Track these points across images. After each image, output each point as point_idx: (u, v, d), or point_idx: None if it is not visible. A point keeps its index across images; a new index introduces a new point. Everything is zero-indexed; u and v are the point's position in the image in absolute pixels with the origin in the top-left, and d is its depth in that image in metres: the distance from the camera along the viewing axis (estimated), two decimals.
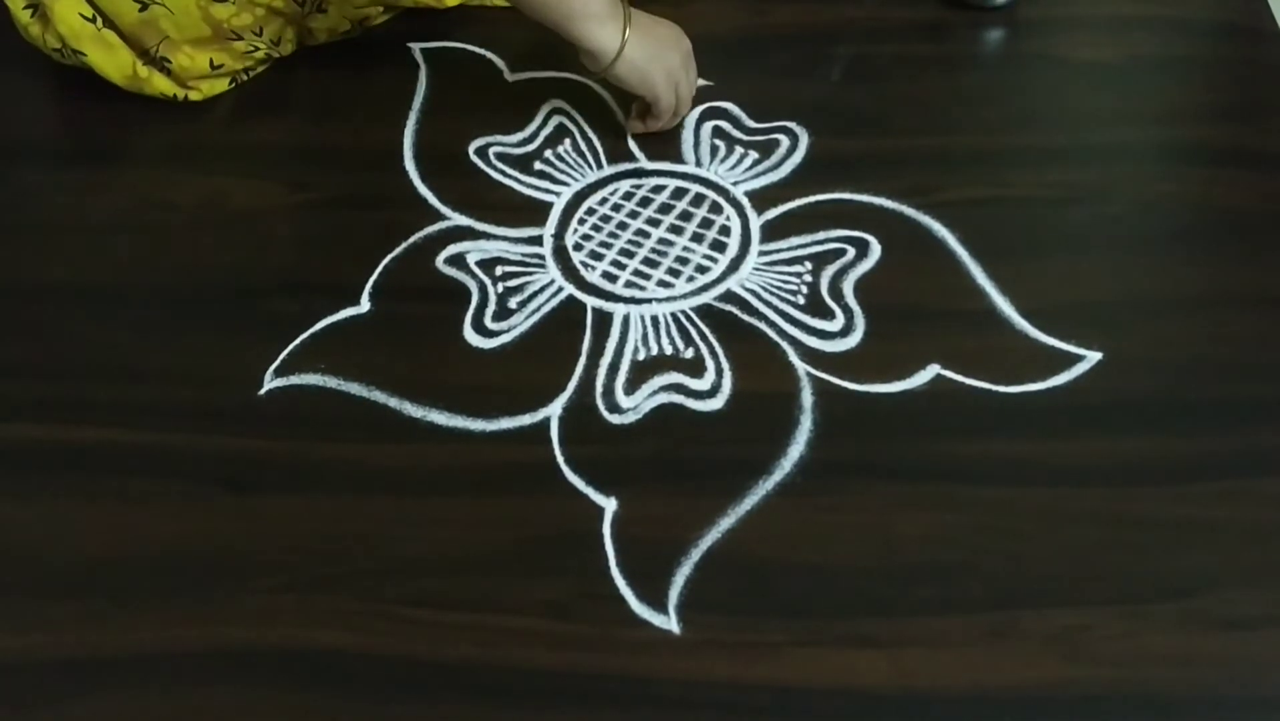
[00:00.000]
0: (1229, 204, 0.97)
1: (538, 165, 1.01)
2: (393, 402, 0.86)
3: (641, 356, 0.88)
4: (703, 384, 0.86)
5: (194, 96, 1.05)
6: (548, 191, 0.99)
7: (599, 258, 0.94)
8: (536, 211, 0.98)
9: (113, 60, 1.02)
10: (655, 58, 0.95)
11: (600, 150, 1.02)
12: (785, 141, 1.02)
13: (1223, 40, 1.11)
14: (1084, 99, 1.06)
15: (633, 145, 1.02)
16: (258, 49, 1.05)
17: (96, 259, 0.96)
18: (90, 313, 0.92)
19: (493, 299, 0.92)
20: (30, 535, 0.80)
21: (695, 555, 0.78)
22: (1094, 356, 0.87)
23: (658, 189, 0.99)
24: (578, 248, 0.95)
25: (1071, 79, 1.07)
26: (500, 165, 1.01)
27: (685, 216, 0.97)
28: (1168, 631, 0.74)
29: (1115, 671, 0.72)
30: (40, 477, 0.83)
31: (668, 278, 0.93)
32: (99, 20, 1.00)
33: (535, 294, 0.92)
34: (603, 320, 0.90)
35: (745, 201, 0.98)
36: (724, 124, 1.04)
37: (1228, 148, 1.02)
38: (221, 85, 1.06)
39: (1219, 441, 0.83)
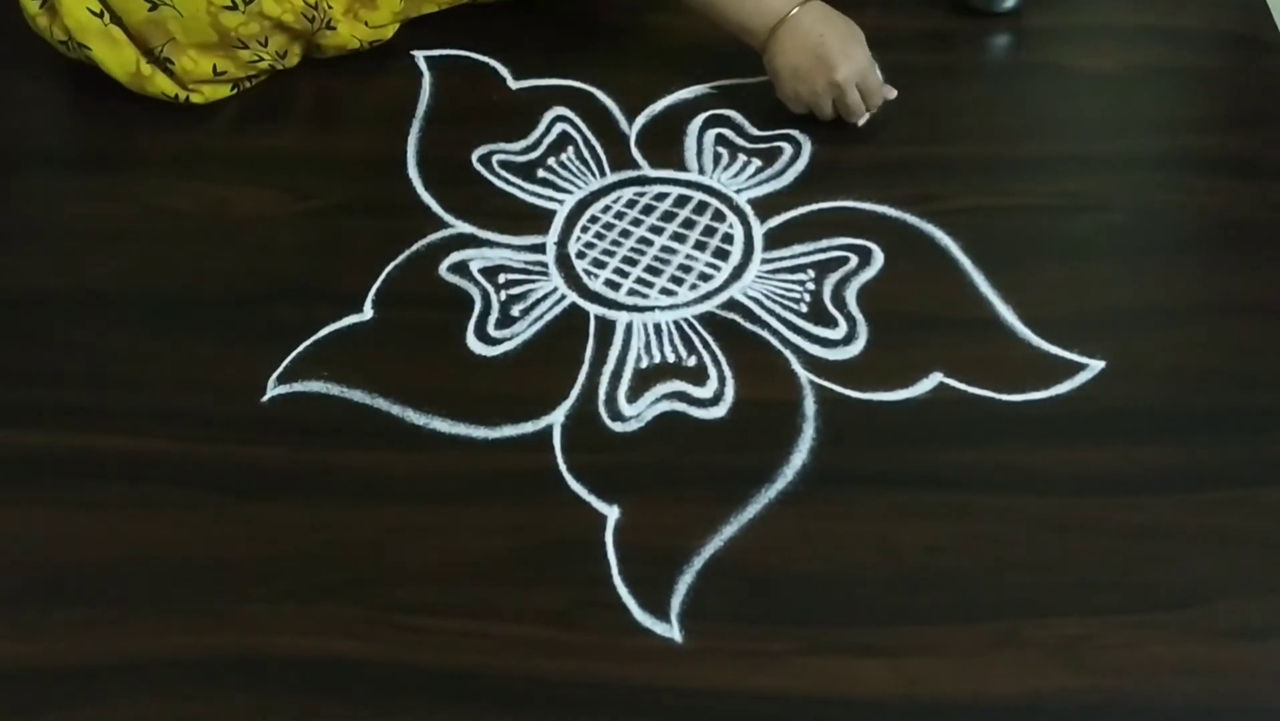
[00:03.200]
0: (1231, 212, 0.98)
1: (541, 173, 1.01)
2: (395, 410, 0.86)
3: (644, 364, 0.88)
4: (705, 392, 0.87)
5: (195, 99, 1.05)
6: (551, 199, 0.99)
7: (602, 265, 0.94)
8: (539, 219, 0.98)
9: (117, 56, 1.02)
10: (796, 75, 0.99)
11: (603, 158, 1.02)
12: (788, 149, 1.02)
13: (1224, 50, 1.11)
14: (1086, 108, 1.06)
15: (636, 153, 1.02)
16: (262, 59, 1.05)
17: (100, 265, 0.96)
18: (93, 319, 0.92)
19: (495, 306, 0.92)
20: (32, 542, 0.80)
21: (698, 563, 0.78)
22: (1097, 365, 0.87)
23: (660, 197, 0.99)
24: (581, 255, 0.95)
25: (1074, 88, 1.07)
26: (503, 173, 1.01)
27: (688, 224, 0.97)
28: (1170, 641, 0.74)
29: (1117, 680, 0.72)
30: (42, 484, 0.83)
31: (670, 285, 0.93)
32: (106, 16, 1.00)
33: (538, 301, 0.92)
34: (605, 328, 0.91)
35: (748, 209, 0.98)
36: (727, 132, 1.04)
37: (1230, 156, 1.02)
38: (224, 90, 1.07)
39: (1223, 450, 0.83)
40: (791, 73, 1.00)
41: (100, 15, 1.00)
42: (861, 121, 1.02)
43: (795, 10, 0.98)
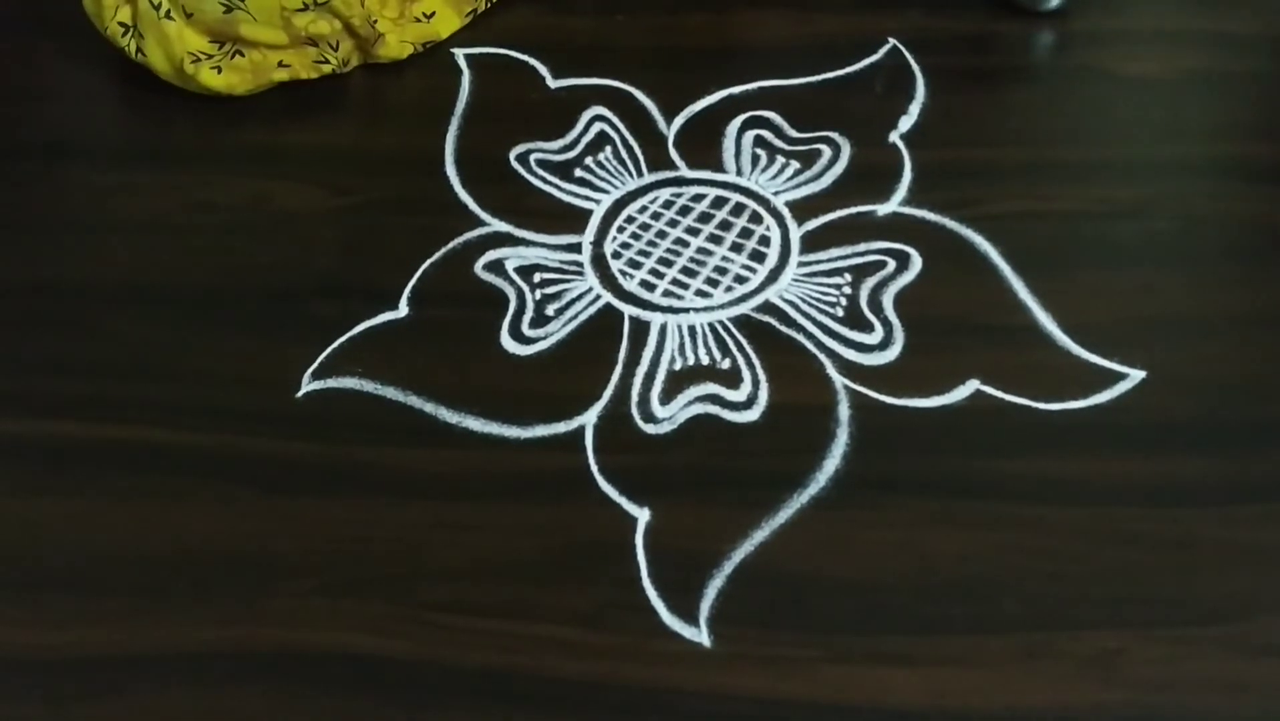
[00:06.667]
0: (1277, 221, 0.96)
1: (578, 172, 1.01)
2: (429, 408, 0.86)
3: (678, 366, 0.88)
4: (739, 395, 0.86)
5: (239, 91, 1.06)
6: (587, 199, 0.99)
7: (637, 266, 0.94)
8: (576, 219, 0.98)
9: (164, 51, 1.03)
10: None
11: (640, 158, 1.02)
12: (827, 152, 1.01)
13: (1274, 55, 1.09)
14: (1130, 113, 1.04)
15: (673, 153, 1.02)
16: (327, 62, 1.06)
17: (137, 258, 0.97)
18: (130, 312, 0.93)
19: (530, 306, 0.92)
20: (66, 532, 0.81)
21: (728, 567, 0.77)
22: (1138, 375, 0.86)
23: (697, 198, 0.99)
24: (616, 255, 0.95)
25: (1118, 93, 1.06)
26: (541, 172, 1.01)
27: (724, 226, 0.97)
28: (1207, 657, 0.73)
29: (1151, 696, 0.71)
30: (77, 475, 0.84)
31: (706, 287, 0.93)
32: (163, 9, 1.01)
33: (573, 301, 0.92)
34: (639, 329, 0.90)
35: (785, 211, 0.98)
36: (765, 133, 1.03)
37: (1276, 164, 1.00)
38: (269, 84, 1.07)
39: (1264, 463, 0.81)
40: None
41: (157, 8, 1.01)
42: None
43: None
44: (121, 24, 1.04)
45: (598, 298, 0.92)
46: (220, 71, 1.04)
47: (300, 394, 0.87)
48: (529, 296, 0.92)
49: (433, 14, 1.09)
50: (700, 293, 0.92)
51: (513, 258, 0.95)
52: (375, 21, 1.06)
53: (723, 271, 0.94)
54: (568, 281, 0.93)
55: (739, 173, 1.00)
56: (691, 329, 0.90)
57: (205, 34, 1.03)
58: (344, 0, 1.02)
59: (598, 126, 1.04)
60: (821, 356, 0.88)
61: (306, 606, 0.77)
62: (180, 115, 1.07)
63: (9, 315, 0.94)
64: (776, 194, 0.99)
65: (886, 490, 0.81)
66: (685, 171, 1.01)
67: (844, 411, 0.85)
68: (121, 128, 1.10)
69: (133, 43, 1.04)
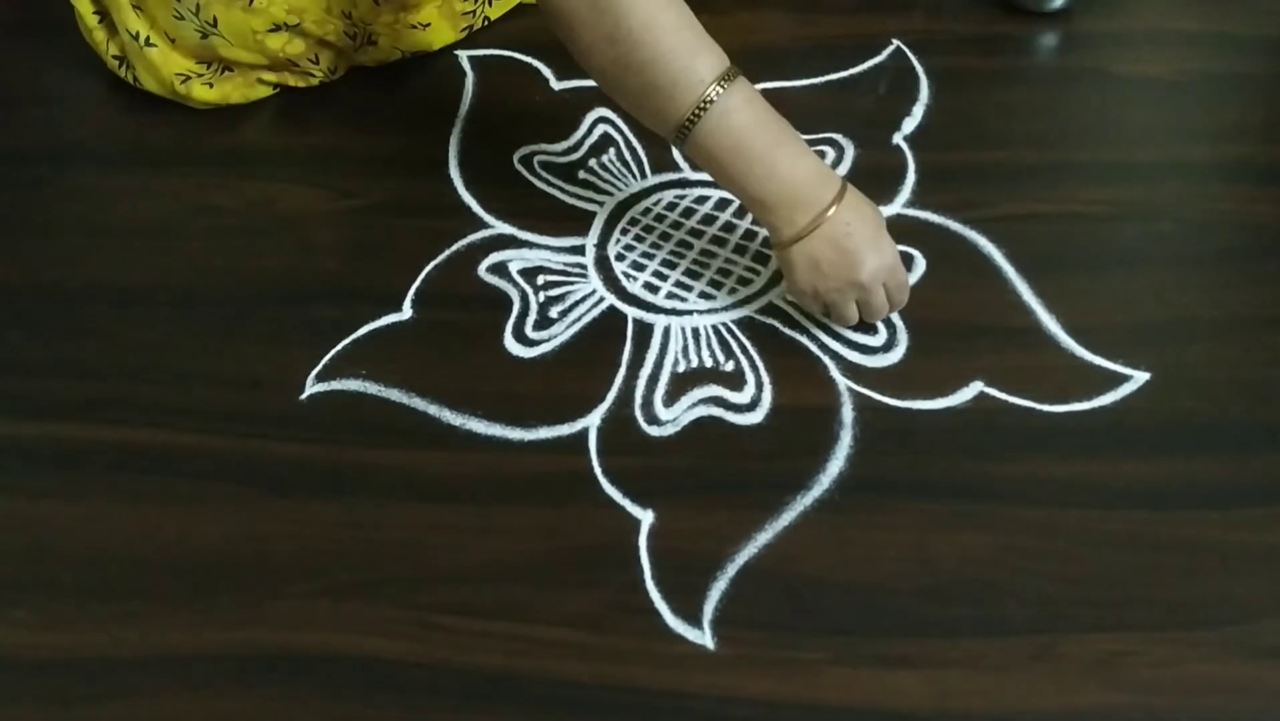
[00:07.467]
0: (1278, 222, 0.96)
1: (582, 174, 1.01)
2: (432, 410, 0.86)
3: (681, 368, 0.88)
4: (742, 397, 0.86)
5: (234, 100, 1.06)
6: (591, 201, 0.99)
7: (641, 268, 0.94)
8: (579, 221, 0.98)
9: (154, 77, 1.05)
10: (816, 269, 0.83)
11: (644, 160, 1.02)
12: (831, 153, 1.01)
13: (1273, 56, 1.09)
14: (1135, 115, 1.04)
15: (677, 156, 1.02)
16: (314, 76, 1.06)
17: (143, 262, 0.97)
18: (134, 315, 0.93)
19: (534, 308, 0.92)
20: (72, 535, 0.81)
21: (731, 570, 0.77)
22: (1141, 376, 0.86)
23: (701, 200, 0.99)
24: (620, 258, 0.95)
25: (1121, 94, 1.06)
26: (544, 174, 1.01)
27: (728, 228, 0.97)
28: (1211, 659, 0.73)
29: (1156, 699, 0.71)
30: (83, 477, 0.84)
31: (709, 289, 0.93)
32: (142, 39, 1.02)
33: (576, 303, 0.92)
34: (643, 331, 0.90)
35: None
36: None
37: (1277, 165, 1.00)
38: (265, 90, 1.08)
39: (1268, 465, 0.81)
40: (810, 266, 0.83)
41: (136, 38, 1.02)
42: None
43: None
44: (115, 56, 1.06)
45: (601, 300, 0.92)
46: (212, 86, 1.05)
47: (304, 396, 0.87)
48: (532, 298, 0.92)
49: (428, 25, 1.09)
50: (704, 295, 0.92)
51: (516, 260, 0.95)
52: (355, 35, 1.05)
53: (726, 273, 0.94)
54: (571, 283, 0.93)
55: None
56: (695, 331, 0.90)
57: (190, 56, 1.03)
58: (315, 21, 1.02)
59: (601, 128, 1.04)
60: (825, 358, 0.88)
61: (310, 608, 0.77)
62: (183, 119, 1.07)
63: (13, 317, 0.94)
64: None
65: (890, 492, 0.81)
66: (689, 174, 1.01)
67: (848, 413, 0.85)
68: (125, 132, 1.10)
69: (129, 73, 1.06)
